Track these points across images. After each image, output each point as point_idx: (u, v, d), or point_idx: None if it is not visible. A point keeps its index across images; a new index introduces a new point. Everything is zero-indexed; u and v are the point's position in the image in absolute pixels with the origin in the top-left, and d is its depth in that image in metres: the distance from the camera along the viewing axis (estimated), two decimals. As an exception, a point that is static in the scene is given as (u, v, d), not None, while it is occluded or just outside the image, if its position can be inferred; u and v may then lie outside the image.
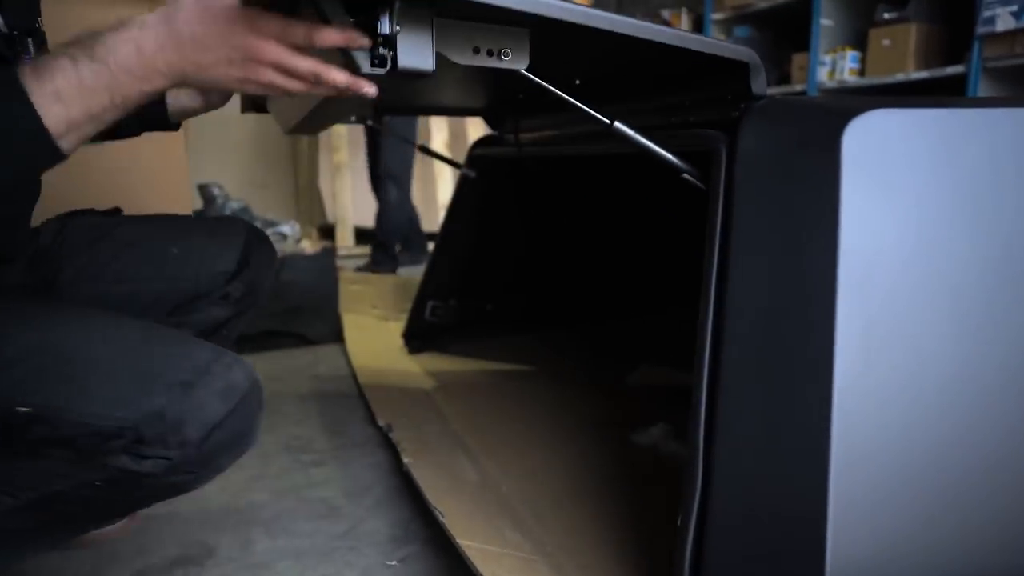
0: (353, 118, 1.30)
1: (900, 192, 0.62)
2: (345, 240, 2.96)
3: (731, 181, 0.65)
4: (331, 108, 0.74)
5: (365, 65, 0.52)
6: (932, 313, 0.60)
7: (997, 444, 0.59)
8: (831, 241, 0.59)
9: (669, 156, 0.68)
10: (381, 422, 1.07)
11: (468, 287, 1.53)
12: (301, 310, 1.66)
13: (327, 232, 3.11)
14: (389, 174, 2.41)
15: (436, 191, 3.14)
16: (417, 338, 1.51)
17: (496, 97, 1.21)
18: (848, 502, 0.55)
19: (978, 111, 0.65)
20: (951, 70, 2.37)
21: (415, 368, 1.40)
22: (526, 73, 0.62)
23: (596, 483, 0.90)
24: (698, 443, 0.61)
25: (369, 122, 1.33)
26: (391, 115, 1.66)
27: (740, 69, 0.67)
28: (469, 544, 0.67)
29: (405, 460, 0.91)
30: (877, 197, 0.61)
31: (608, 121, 0.67)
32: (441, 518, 0.74)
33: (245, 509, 0.86)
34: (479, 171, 1.39)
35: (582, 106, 0.67)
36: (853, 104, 0.65)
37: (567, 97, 0.67)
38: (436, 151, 1.46)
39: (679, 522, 0.61)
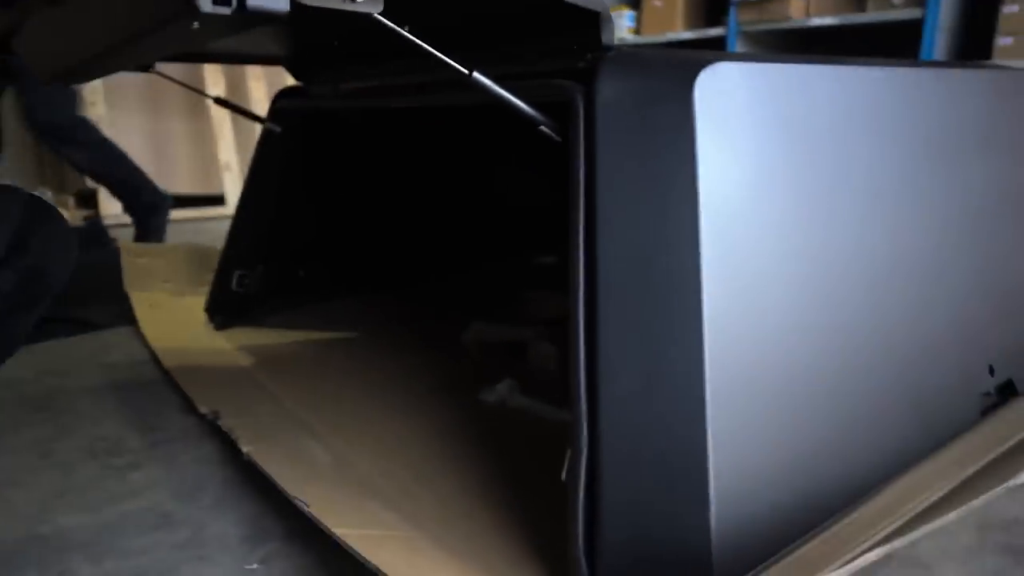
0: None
1: (743, 139, 0.66)
2: (111, 207, 2.59)
3: (591, 132, 0.64)
4: (129, 48, 0.62)
5: (207, 3, 0.43)
6: (779, 246, 0.66)
7: (843, 359, 0.68)
8: (691, 188, 0.62)
9: (527, 108, 0.66)
10: (204, 409, 0.96)
11: (277, 252, 1.41)
12: (77, 291, 1.42)
13: (87, 200, 2.70)
14: (51, 130, 1.93)
15: (216, 151, 2.85)
16: (223, 312, 1.37)
17: (303, 44, 1.11)
18: (725, 434, 0.59)
19: (800, 66, 0.71)
20: (713, 32, 2.61)
21: (226, 345, 1.27)
22: (380, 17, 0.56)
23: (455, 448, 0.88)
24: (580, 401, 0.61)
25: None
26: (176, 61, 1.45)
27: (591, 18, 0.67)
28: (347, 532, 0.62)
29: (245, 449, 0.82)
30: (726, 145, 0.64)
31: (467, 71, 0.63)
32: (306, 508, 0.68)
33: (52, 535, 0.73)
34: (285, 126, 1.27)
35: (438, 54, 0.63)
36: (697, 57, 0.68)
37: (421, 44, 0.62)
38: (232, 103, 1.30)
39: (567, 480, 0.61)
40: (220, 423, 0.91)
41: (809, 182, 0.70)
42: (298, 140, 1.31)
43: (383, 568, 0.58)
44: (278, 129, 1.26)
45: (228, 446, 0.89)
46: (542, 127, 0.68)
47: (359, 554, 0.59)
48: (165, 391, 1.09)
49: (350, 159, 1.46)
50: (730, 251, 0.63)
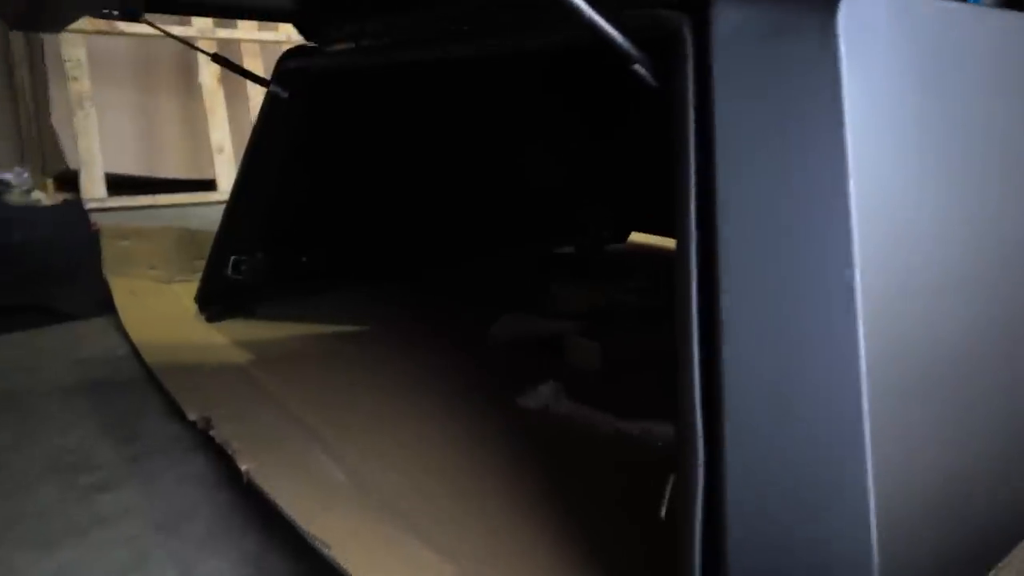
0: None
1: (890, 85, 0.51)
2: (94, 190, 2.42)
3: (704, 75, 0.49)
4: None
5: None
6: (939, 223, 0.51)
7: (1012, 360, 0.53)
8: (836, 146, 0.47)
9: (620, 38, 0.51)
10: (193, 416, 0.81)
11: (279, 235, 1.26)
12: (46, 276, 1.27)
13: (69, 182, 2.53)
14: None
15: (206, 131, 2.68)
16: (217, 302, 1.22)
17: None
18: (887, 451, 0.44)
19: (954, 5, 0.56)
20: None
21: (220, 339, 1.12)
22: None
23: (496, 462, 0.73)
24: (694, 409, 0.46)
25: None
26: (165, 11, 1.29)
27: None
28: None
29: (244, 466, 0.67)
30: (872, 91, 0.50)
31: None
32: (327, 551, 0.53)
33: (-5, 576, 0.57)
34: (292, 91, 1.12)
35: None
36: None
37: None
38: (232, 63, 1.14)
39: (679, 513, 0.46)
40: (213, 433, 0.75)
41: (966, 145, 0.55)
42: (306, 107, 1.15)
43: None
44: (284, 93, 1.10)
45: (223, 462, 0.73)
46: (636, 67, 0.53)
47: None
48: (147, 393, 0.93)
49: (362, 130, 1.30)
50: (886, 229, 0.48)
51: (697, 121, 0.49)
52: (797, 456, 0.44)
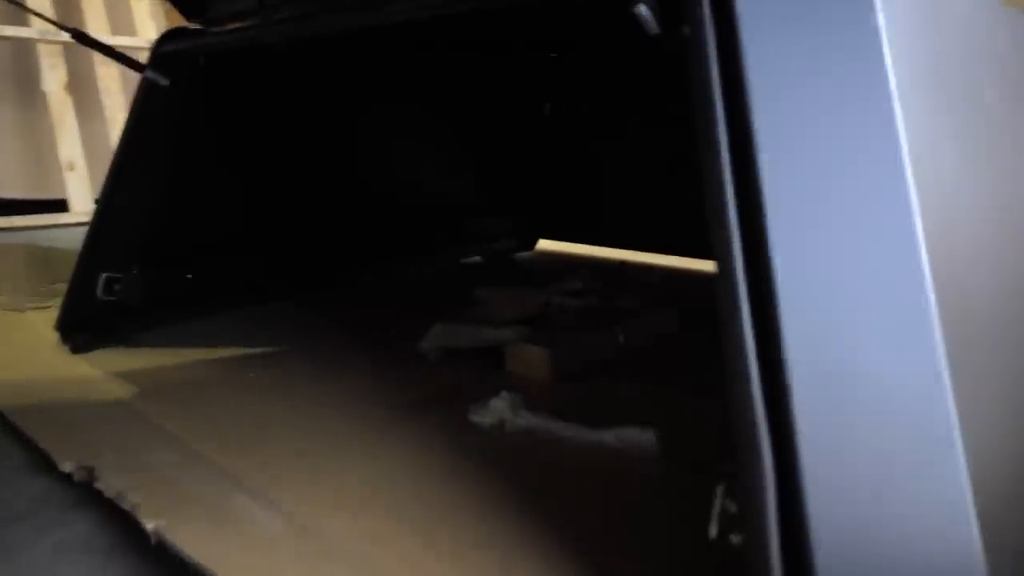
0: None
1: (924, 28, 0.46)
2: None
3: (730, 21, 0.42)
4: None
5: None
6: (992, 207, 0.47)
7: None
8: (883, 85, 0.41)
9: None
10: (68, 466, 0.64)
11: (159, 249, 1.08)
12: None
13: None
14: None
15: (53, 145, 2.37)
16: (84, 329, 1.02)
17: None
18: (977, 447, 0.38)
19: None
20: None
21: (91, 372, 0.93)
22: None
23: (464, 492, 0.62)
24: (755, 418, 0.38)
25: None
26: None
27: None
28: None
29: (149, 525, 0.52)
30: (911, 32, 0.44)
31: None
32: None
33: None
34: (172, 78, 0.96)
35: None
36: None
37: None
38: (100, 42, 0.97)
39: (747, 538, 0.38)
40: (99, 486, 0.59)
41: (996, 94, 0.51)
42: (189, 98, 1.00)
43: None
44: (165, 81, 0.94)
45: (115, 521, 0.58)
46: (640, 7, 0.45)
47: None
48: (1, 443, 0.74)
49: (254, 125, 1.15)
50: (935, 183, 0.43)
51: (722, 72, 0.42)
52: (878, 450, 0.37)
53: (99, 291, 1.01)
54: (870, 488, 0.36)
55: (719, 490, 0.41)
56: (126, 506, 0.55)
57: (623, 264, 1.24)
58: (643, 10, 0.45)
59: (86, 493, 0.62)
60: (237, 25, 0.92)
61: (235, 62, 1.05)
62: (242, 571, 0.46)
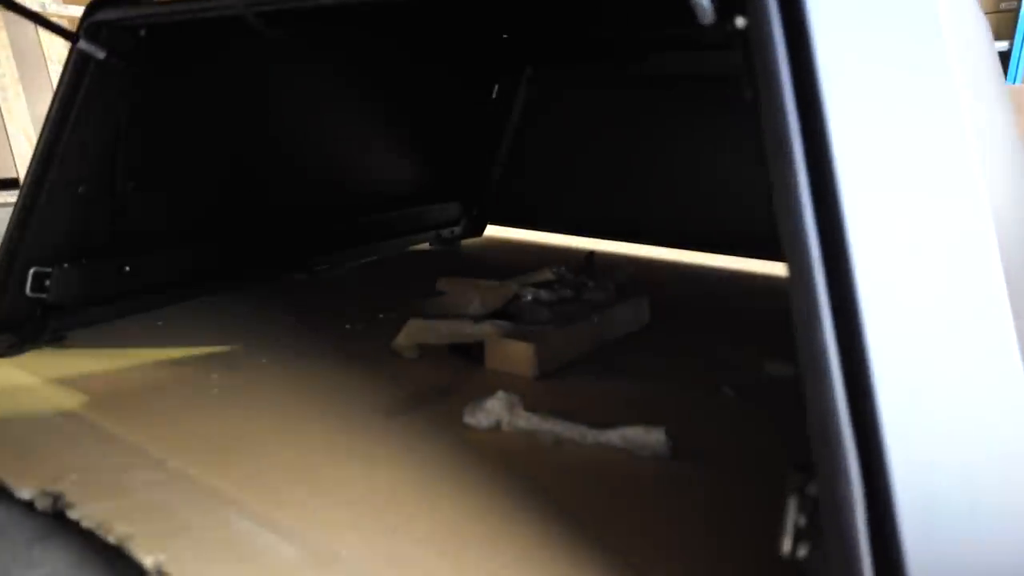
0: None
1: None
2: None
3: (795, 10, 0.40)
4: None
5: None
6: None
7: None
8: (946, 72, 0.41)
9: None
10: (26, 492, 0.57)
11: (93, 240, 0.99)
12: None
13: None
14: None
15: (4, 121, 2.13)
16: (10, 330, 0.92)
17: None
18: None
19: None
20: None
21: (27, 379, 0.84)
22: None
23: (476, 501, 0.59)
24: (844, 470, 0.36)
25: None
26: None
27: None
28: None
29: (147, 561, 0.47)
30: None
31: None
32: None
33: None
34: (108, 50, 0.86)
35: None
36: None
37: None
38: (28, 10, 0.85)
39: (830, 553, 0.37)
40: (73, 514, 0.53)
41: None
42: (126, 72, 0.90)
43: None
44: (101, 53, 0.85)
45: (96, 556, 0.51)
46: (699, -5, 0.42)
47: None
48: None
49: (198, 102, 1.07)
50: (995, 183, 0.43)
51: (791, 50, 0.40)
52: (967, 461, 0.37)
53: (27, 288, 0.91)
54: (961, 500, 0.36)
55: (792, 504, 0.40)
56: (112, 539, 0.49)
57: (591, 254, 1.23)
58: (704, 2, 0.42)
59: (53, 525, 0.55)
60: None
61: (179, 36, 0.96)
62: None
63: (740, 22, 0.43)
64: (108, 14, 0.84)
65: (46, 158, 0.88)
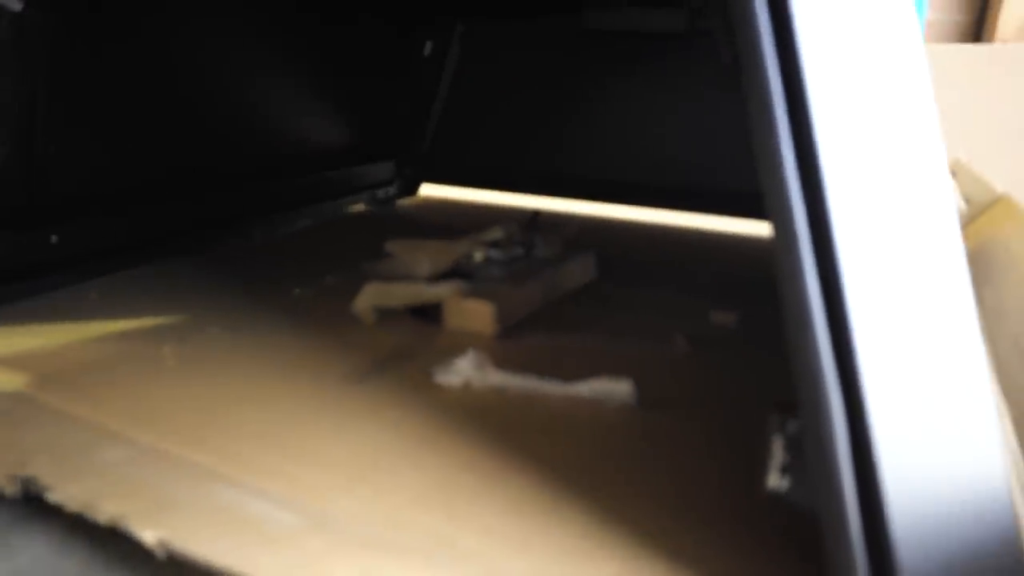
0: None
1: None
2: None
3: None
4: None
5: None
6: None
7: None
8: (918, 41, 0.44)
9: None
10: (61, 494, 0.54)
11: (18, 210, 0.92)
12: None
13: None
14: None
15: None
16: (-70, 309, 0.86)
17: None
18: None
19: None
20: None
21: (-43, 361, 0.78)
22: None
23: (465, 459, 0.61)
24: (828, 409, 0.40)
25: None
26: None
27: None
28: None
29: (149, 538, 0.46)
30: None
31: None
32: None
33: None
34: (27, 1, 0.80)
35: None
36: None
37: None
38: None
39: (819, 489, 0.40)
40: (55, 497, 0.51)
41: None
42: (45, 25, 0.84)
43: None
44: (18, 6, 0.78)
45: (79, 539, 0.50)
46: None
47: None
48: None
49: (116, 62, 1.00)
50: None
51: (775, 21, 0.42)
52: (937, 403, 0.41)
53: (-52, 263, 0.85)
54: (922, 422, 0.40)
55: (777, 440, 0.44)
56: (102, 519, 0.48)
57: (536, 213, 1.25)
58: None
59: (26, 511, 0.53)
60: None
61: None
62: (291, 570, 0.43)
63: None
64: (24, -37, 0.77)
65: (-40, 122, 0.82)
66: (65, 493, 0.51)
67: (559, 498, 0.55)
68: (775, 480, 0.44)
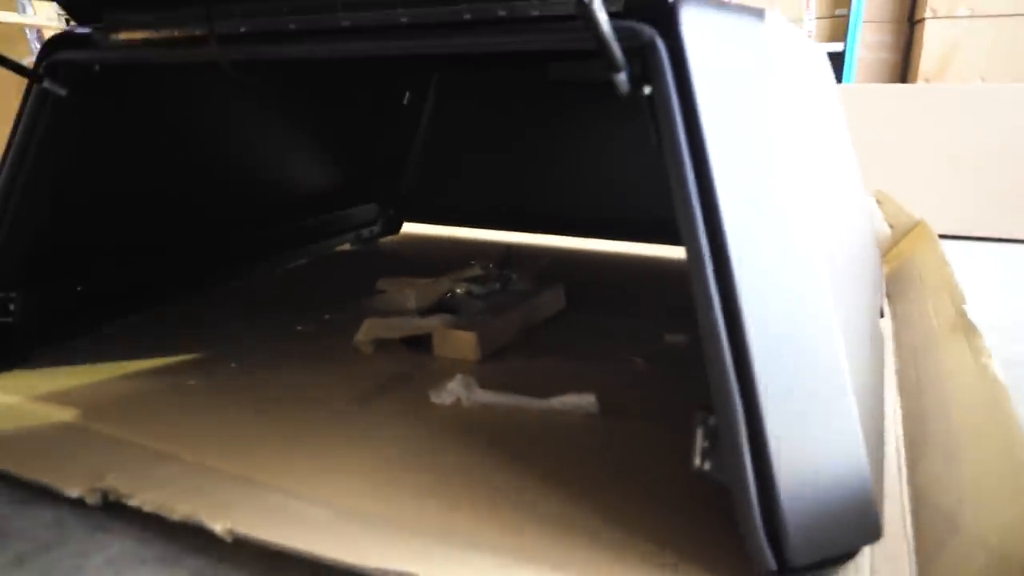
0: None
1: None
2: None
3: (684, 82, 0.57)
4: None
5: None
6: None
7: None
8: (773, 107, 0.59)
9: (617, 51, 0.56)
10: (75, 491, 0.66)
11: (49, 263, 1.04)
12: None
13: None
14: None
15: None
16: (-24, 354, 0.97)
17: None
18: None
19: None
20: None
21: (10, 399, 0.90)
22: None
23: (461, 463, 0.74)
24: (732, 405, 0.54)
25: None
26: None
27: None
28: None
29: (217, 528, 0.58)
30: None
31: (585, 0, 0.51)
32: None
33: None
34: (69, 87, 0.93)
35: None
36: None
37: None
38: (-11, 52, 0.90)
39: (729, 465, 0.54)
40: (134, 502, 0.63)
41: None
42: (83, 107, 0.97)
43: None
44: (63, 92, 0.91)
45: (155, 536, 0.62)
46: (620, 75, 0.58)
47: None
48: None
49: (143, 130, 1.13)
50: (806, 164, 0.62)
51: (683, 110, 0.57)
52: (805, 387, 0.56)
53: (-5, 313, 0.96)
54: (800, 413, 0.55)
55: (699, 431, 0.58)
56: (177, 516, 0.60)
57: (509, 248, 1.39)
58: (622, 78, 0.58)
59: (104, 516, 0.65)
60: (137, 36, 0.91)
61: (128, 69, 1.02)
62: (335, 547, 0.55)
63: (647, 90, 0.60)
64: (68, 55, 0.90)
65: (8, 192, 0.94)
66: (141, 499, 0.63)
67: (539, 490, 0.68)
68: (698, 462, 0.58)
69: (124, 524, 0.64)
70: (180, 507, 0.62)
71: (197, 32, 0.86)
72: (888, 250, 1.49)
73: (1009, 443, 0.60)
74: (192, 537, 0.62)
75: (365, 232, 1.80)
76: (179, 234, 1.28)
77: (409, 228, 1.94)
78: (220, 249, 1.37)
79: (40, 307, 1.03)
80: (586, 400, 0.84)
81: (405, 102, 1.76)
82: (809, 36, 2.40)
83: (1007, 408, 0.65)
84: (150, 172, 1.19)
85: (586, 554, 0.58)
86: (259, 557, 0.59)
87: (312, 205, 1.63)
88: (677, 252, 1.64)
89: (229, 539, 0.58)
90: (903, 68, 2.32)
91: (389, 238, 1.88)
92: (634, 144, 1.57)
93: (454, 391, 0.87)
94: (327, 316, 1.22)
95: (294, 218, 1.56)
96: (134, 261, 1.19)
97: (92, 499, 0.65)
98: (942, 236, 1.33)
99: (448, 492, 0.68)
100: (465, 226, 1.89)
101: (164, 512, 0.61)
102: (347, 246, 1.77)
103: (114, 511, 0.66)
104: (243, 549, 0.59)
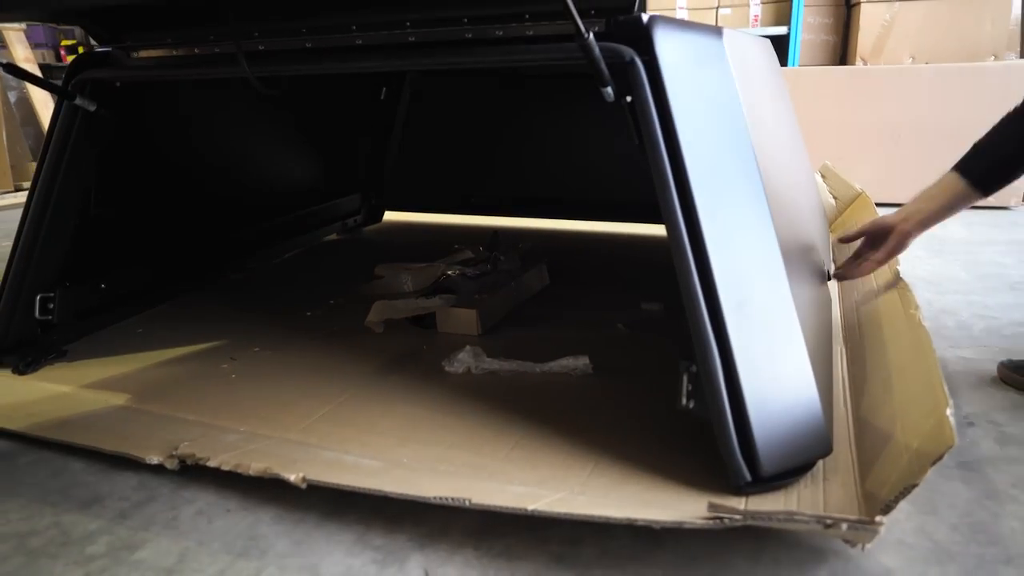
0: None
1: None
2: None
3: (660, 92, 0.70)
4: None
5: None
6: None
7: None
8: (738, 108, 0.73)
9: (605, 68, 0.68)
10: (155, 458, 0.76)
11: (78, 263, 1.13)
12: None
13: None
14: None
15: None
16: (21, 350, 1.05)
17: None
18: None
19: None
20: None
21: (62, 389, 0.99)
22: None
23: (480, 419, 0.86)
24: (711, 355, 0.67)
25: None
26: None
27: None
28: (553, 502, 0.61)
29: (292, 478, 0.70)
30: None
31: (584, 30, 0.63)
32: (469, 504, 0.63)
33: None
34: (98, 102, 1.01)
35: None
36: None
37: None
38: (27, 71, 0.98)
39: (710, 402, 0.68)
40: (213, 463, 0.74)
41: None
42: (110, 120, 1.05)
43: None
44: (92, 107, 1.00)
45: (231, 491, 0.74)
46: (608, 88, 0.71)
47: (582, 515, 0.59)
48: (39, 460, 0.82)
49: (163, 139, 1.21)
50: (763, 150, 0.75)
51: (659, 115, 0.70)
52: (768, 340, 0.70)
53: (36, 312, 1.05)
54: (763, 358, 0.69)
55: (684, 377, 0.71)
56: (254, 472, 0.72)
57: (495, 233, 1.51)
58: (609, 91, 0.71)
59: (181, 478, 0.76)
60: (155, 54, 1.00)
61: (143, 85, 1.11)
62: (412, 489, 0.67)
63: (628, 99, 0.72)
64: (94, 73, 0.99)
65: (44, 202, 1.02)
66: (219, 460, 0.74)
67: (549, 436, 0.81)
68: (684, 401, 0.72)
69: (201, 484, 0.75)
70: (254, 464, 0.73)
71: (216, 50, 0.95)
72: (834, 219, 1.66)
73: (929, 375, 0.75)
74: (263, 490, 0.73)
75: (350, 222, 1.89)
76: (186, 234, 1.37)
77: (391, 216, 2.04)
78: (223, 245, 1.46)
79: (70, 304, 1.11)
80: (581, 362, 0.98)
81: (382, 97, 1.86)
82: (755, 20, 2.56)
83: (928, 348, 0.80)
84: (163, 180, 1.27)
85: (597, 481, 0.72)
86: (321, 502, 0.71)
87: (301, 198, 1.72)
88: (645, 229, 1.78)
89: (303, 486, 0.69)
90: (843, 49, 2.48)
91: (373, 226, 1.98)
92: (612, 131, 1.70)
93: (464, 361, 1.00)
94: (332, 301, 1.32)
95: (286, 211, 1.65)
96: (147, 260, 1.27)
97: (171, 464, 0.76)
98: (879, 204, 1.49)
99: (474, 442, 0.81)
100: (443, 212, 2.01)
101: (241, 470, 0.72)
102: (334, 236, 1.86)
103: (189, 474, 0.77)
104: (307, 497, 0.71)
